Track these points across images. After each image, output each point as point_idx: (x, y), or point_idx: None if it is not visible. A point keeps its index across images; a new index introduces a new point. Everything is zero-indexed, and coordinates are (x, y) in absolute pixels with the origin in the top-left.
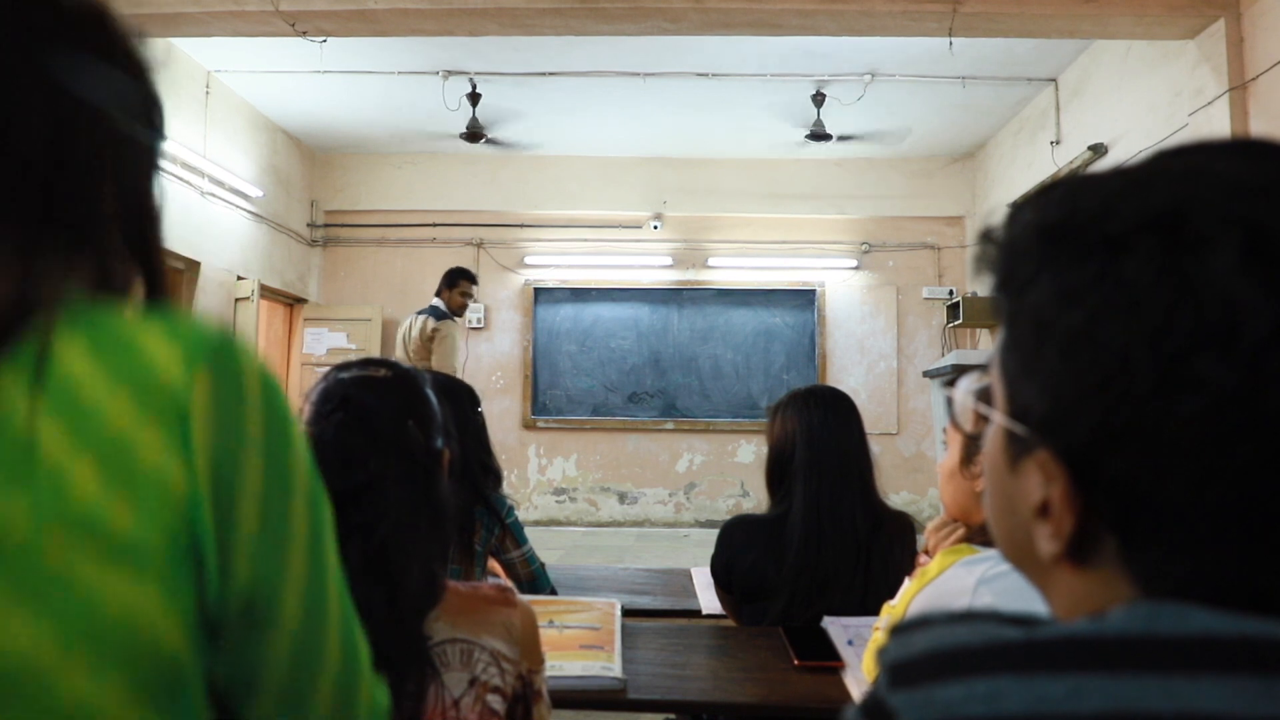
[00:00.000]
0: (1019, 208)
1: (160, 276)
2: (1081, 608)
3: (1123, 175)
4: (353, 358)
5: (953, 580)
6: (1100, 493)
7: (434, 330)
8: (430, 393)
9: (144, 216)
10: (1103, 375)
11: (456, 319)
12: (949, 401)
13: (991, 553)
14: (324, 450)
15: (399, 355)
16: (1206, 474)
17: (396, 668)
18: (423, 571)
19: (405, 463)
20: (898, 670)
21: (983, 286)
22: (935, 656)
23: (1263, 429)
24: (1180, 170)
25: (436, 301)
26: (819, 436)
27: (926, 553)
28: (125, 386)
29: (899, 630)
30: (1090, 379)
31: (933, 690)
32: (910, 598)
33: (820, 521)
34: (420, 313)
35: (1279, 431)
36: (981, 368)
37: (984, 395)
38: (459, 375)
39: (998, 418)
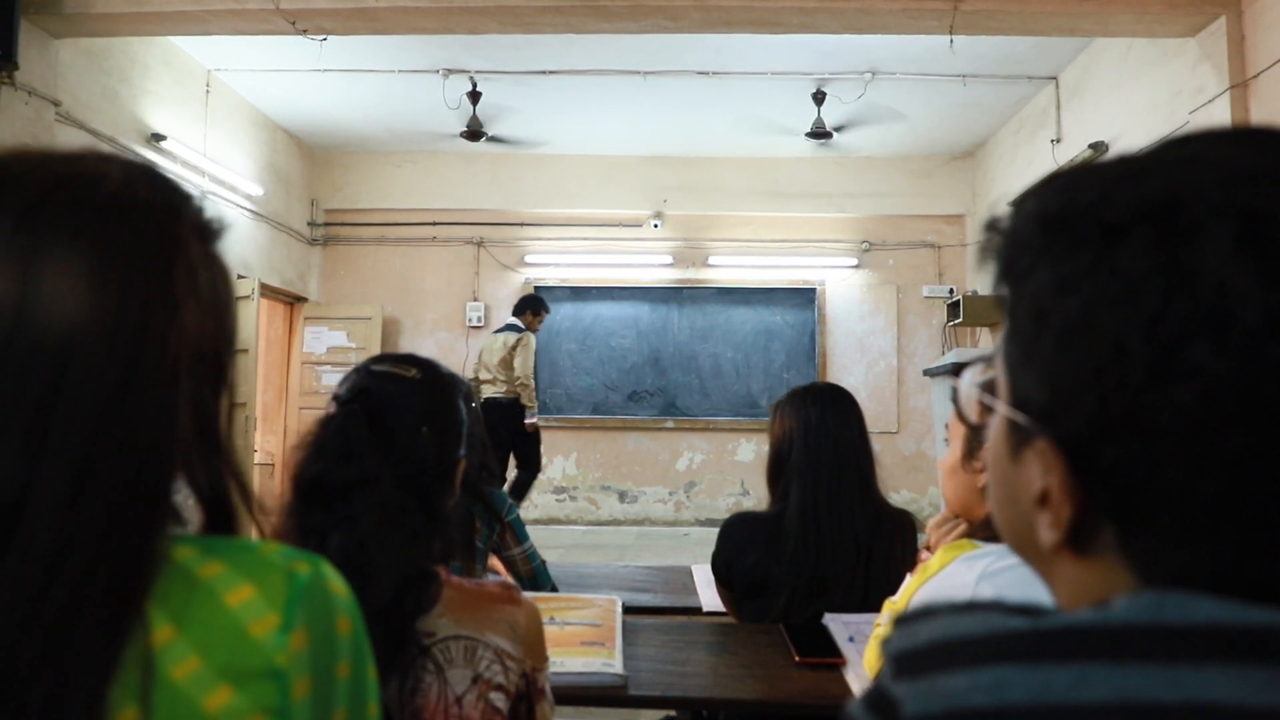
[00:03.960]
0: (1023, 197)
1: (229, 505)
2: (1083, 597)
3: (1122, 164)
4: (384, 355)
5: (954, 575)
6: (1097, 481)
7: (517, 340)
8: (461, 403)
9: (211, 433)
10: (1098, 364)
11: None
12: (954, 391)
13: (993, 548)
14: (328, 439)
15: (479, 371)
16: (1201, 462)
17: (379, 665)
18: (409, 574)
19: (407, 466)
20: (902, 660)
21: (986, 278)
22: (940, 646)
23: (1257, 417)
24: (1178, 159)
25: (515, 321)
26: (815, 434)
27: (928, 549)
28: (223, 677)
29: (903, 621)
30: (1086, 368)
31: (937, 680)
32: (911, 593)
33: (818, 519)
34: (499, 331)
35: (1272, 419)
36: (986, 359)
37: (989, 386)
38: (532, 377)
39: (1000, 407)
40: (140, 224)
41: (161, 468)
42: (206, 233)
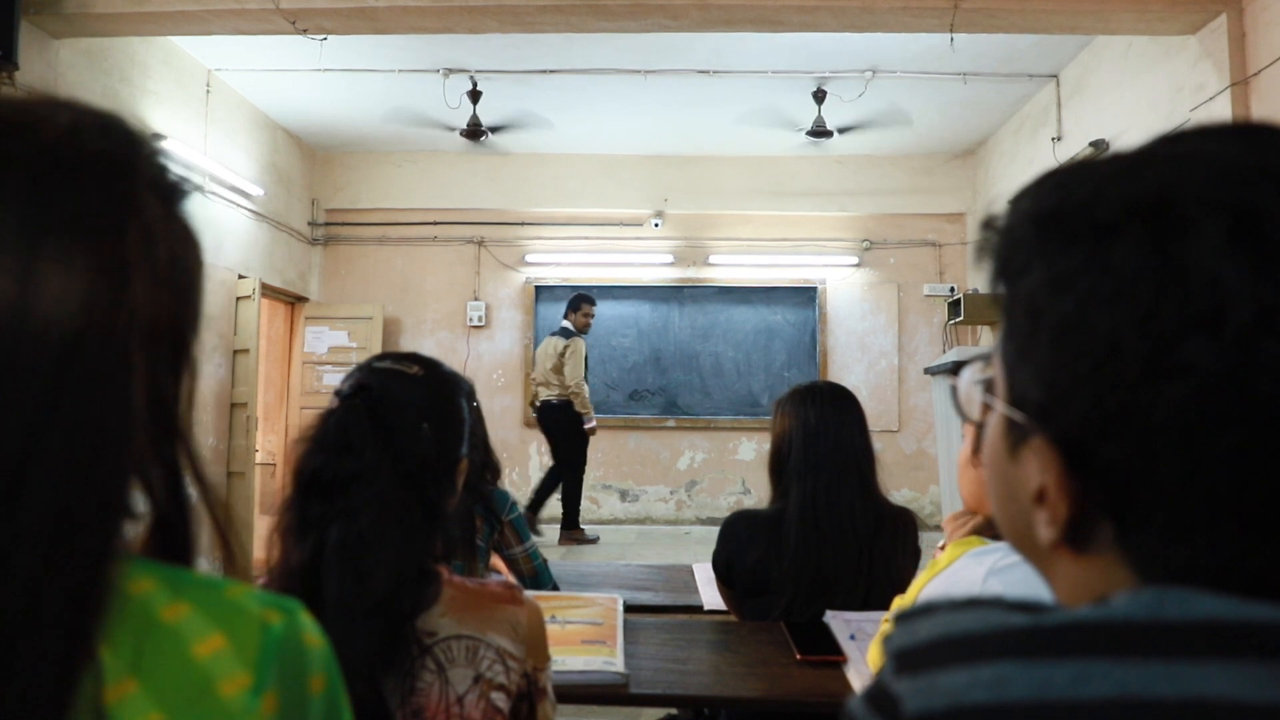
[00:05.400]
0: (1019, 196)
1: (186, 507)
2: (1083, 594)
3: (1115, 161)
4: (386, 354)
5: (962, 571)
6: (1094, 478)
7: (565, 347)
8: (463, 401)
9: (168, 421)
10: (1093, 361)
11: (582, 336)
12: (953, 390)
13: (1001, 544)
14: (328, 432)
15: (536, 374)
16: (1197, 459)
17: (375, 661)
18: (408, 570)
19: (407, 462)
20: (902, 657)
21: (983, 277)
22: (940, 643)
23: (1251, 413)
24: (1170, 155)
25: (565, 324)
26: (814, 433)
27: (944, 549)
28: None
29: (904, 617)
30: (1081, 365)
31: (937, 676)
32: (920, 589)
33: (817, 518)
34: (553, 335)
35: (1267, 415)
36: (986, 357)
37: (987, 384)
38: (583, 383)
39: (997, 405)
40: (84, 179)
41: (115, 459)
42: (168, 191)
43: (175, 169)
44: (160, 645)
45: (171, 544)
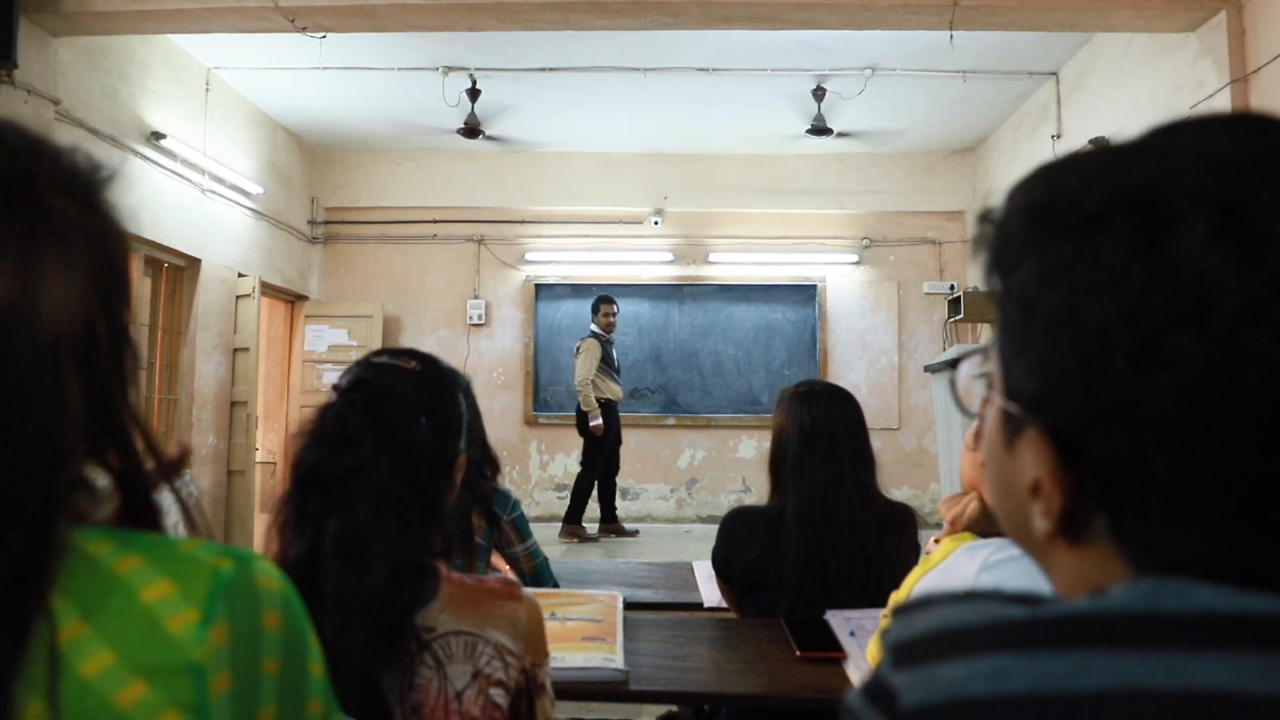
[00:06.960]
0: (1013, 189)
1: (146, 485)
2: (1080, 585)
3: (1107, 154)
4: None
5: (955, 566)
6: (1087, 470)
7: (578, 345)
8: (460, 398)
9: (113, 411)
10: (1083, 354)
11: (599, 336)
12: (952, 384)
13: (995, 540)
14: (326, 426)
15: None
16: (1187, 451)
17: (373, 655)
18: (406, 565)
19: (405, 456)
20: (900, 650)
21: (978, 269)
22: (938, 636)
23: (1239, 405)
24: (1161, 147)
25: (592, 326)
26: (809, 436)
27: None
28: (137, 672)
29: (902, 611)
30: (1072, 358)
31: (936, 669)
32: (913, 584)
33: (815, 523)
34: None
35: (1256, 407)
36: (984, 350)
37: (985, 377)
38: (588, 382)
39: (994, 398)
40: None
41: (54, 457)
42: (80, 189)
43: (86, 162)
44: (110, 592)
45: (137, 517)
